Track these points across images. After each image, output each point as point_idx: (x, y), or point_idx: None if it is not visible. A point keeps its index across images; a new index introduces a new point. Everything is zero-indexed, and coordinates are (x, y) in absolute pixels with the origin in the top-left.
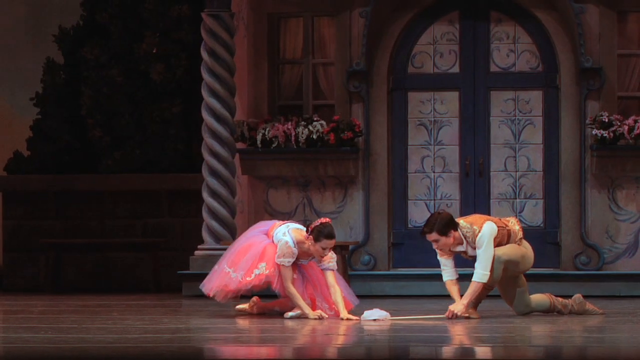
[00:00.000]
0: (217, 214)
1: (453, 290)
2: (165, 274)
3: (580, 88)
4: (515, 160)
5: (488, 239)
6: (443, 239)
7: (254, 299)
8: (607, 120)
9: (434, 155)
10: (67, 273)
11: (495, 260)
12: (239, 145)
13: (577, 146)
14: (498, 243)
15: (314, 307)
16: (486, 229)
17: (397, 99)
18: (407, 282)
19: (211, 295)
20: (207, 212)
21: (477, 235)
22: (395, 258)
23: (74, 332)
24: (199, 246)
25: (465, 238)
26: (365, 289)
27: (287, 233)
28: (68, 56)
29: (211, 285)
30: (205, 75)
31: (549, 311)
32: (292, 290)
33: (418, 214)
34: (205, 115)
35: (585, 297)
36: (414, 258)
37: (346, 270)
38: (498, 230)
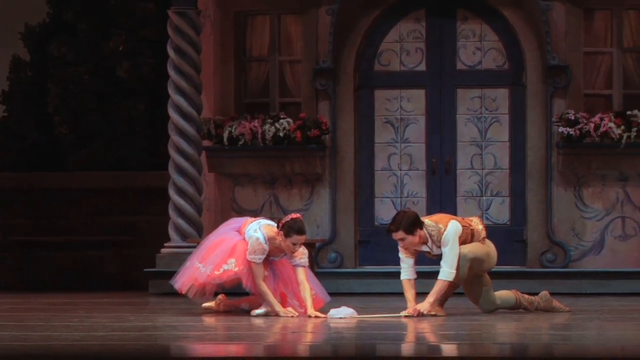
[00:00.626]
0: (183, 211)
1: (408, 290)
2: (132, 272)
3: (546, 86)
4: (482, 158)
5: (453, 237)
6: (409, 238)
7: (220, 296)
8: (573, 118)
9: (400, 153)
10: (35, 271)
11: (461, 258)
12: (206, 143)
13: (543, 144)
14: (462, 242)
15: (284, 304)
16: (451, 227)
17: (364, 96)
18: (374, 279)
19: (184, 292)
20: (174, 209)
21: (442, 234)
22: (362, 256)
23: (40, 330)
24: (165, 244)
25: (430, 237)
26: (332, 287)
27: (259, 230)
28: (34, 54)
29: (182, 280)
30: (171, 72)
31: (515, 308)
32: (264, 287)
33: (385, 212)
34: (171, 112)
35: (551, 294)
36: (380, 256)
37: (313, 268)
38: (462, 229)
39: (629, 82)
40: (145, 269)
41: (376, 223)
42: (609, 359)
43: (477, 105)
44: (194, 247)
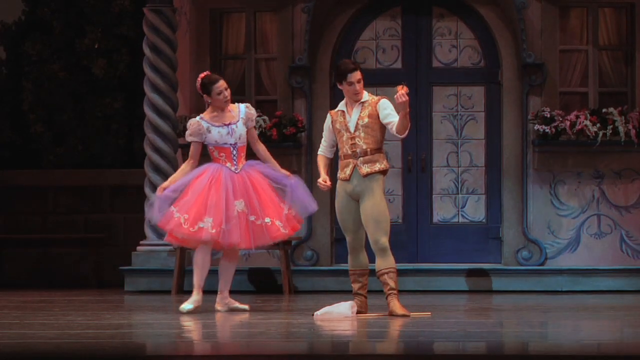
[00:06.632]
0: None
1: (323, 163)
2: (107, 270)
3: (522, 83)
4: (458, 155)
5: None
6: (361, 80)
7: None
8: (548, 115)
9: None
10: (9, 268)
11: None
12: (181, 140)
13: (519, 142)
14: None
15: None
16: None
17: (340, 94)
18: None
19: (166, 229)
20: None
21: (379, 99)
22: (337, 254)
23: (16, 328)
24: (141, 242)
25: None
26: (308, 285)
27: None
28: (10, 51)
29: (167, 226)
30: (147, 70)
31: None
32: (180, 173)
33: None
34: (147, 110)
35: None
36: None
37: (289, 266)
38: None
39: (604, 80)
40: (120, 267)
41: None
42: (584, 356)
43: (453, 103)
44: (169, 245)
